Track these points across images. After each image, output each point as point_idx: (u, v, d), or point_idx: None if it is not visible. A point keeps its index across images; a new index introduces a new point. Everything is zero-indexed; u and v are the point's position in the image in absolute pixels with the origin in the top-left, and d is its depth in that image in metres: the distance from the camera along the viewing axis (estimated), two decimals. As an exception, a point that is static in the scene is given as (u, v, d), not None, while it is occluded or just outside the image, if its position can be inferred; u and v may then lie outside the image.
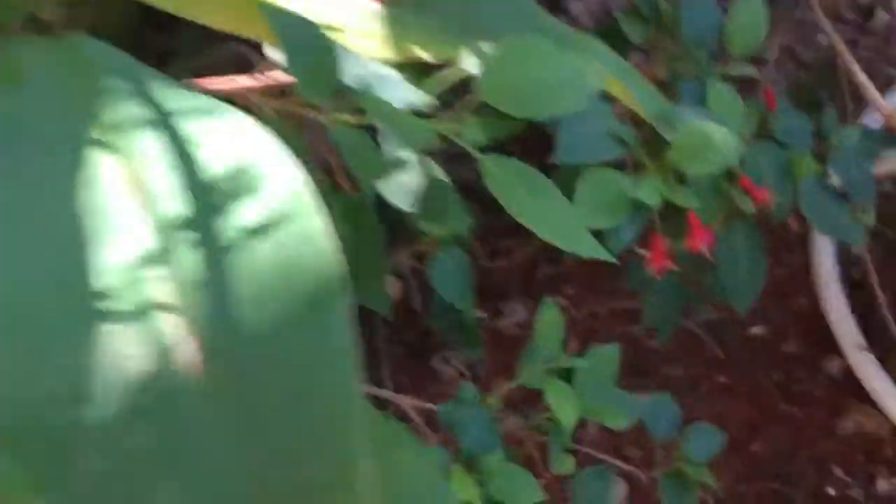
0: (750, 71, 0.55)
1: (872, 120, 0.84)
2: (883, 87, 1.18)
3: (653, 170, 0.51)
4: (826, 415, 1.08)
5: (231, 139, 0.30)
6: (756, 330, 1.13)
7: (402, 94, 0.44)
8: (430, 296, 0.66)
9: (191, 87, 0.45)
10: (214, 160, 0.29)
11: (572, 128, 0.49)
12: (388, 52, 0.48)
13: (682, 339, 1.17)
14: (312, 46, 0.42)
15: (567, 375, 0.54)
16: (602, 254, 0.41)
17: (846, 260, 1.09)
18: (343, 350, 0.26)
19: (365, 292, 0.49)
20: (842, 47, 0.54)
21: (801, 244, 1.15)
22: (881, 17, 1.23)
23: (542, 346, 0.53)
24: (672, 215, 0.53)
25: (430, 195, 0.44)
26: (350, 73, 0.45)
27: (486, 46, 0.43)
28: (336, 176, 0.51)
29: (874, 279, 0.99)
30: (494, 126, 0.42)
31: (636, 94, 0.50)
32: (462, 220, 0.45)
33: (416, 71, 0.49)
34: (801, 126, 0.62)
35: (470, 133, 0.41)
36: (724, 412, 1.08)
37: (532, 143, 0.49)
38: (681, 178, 0.52)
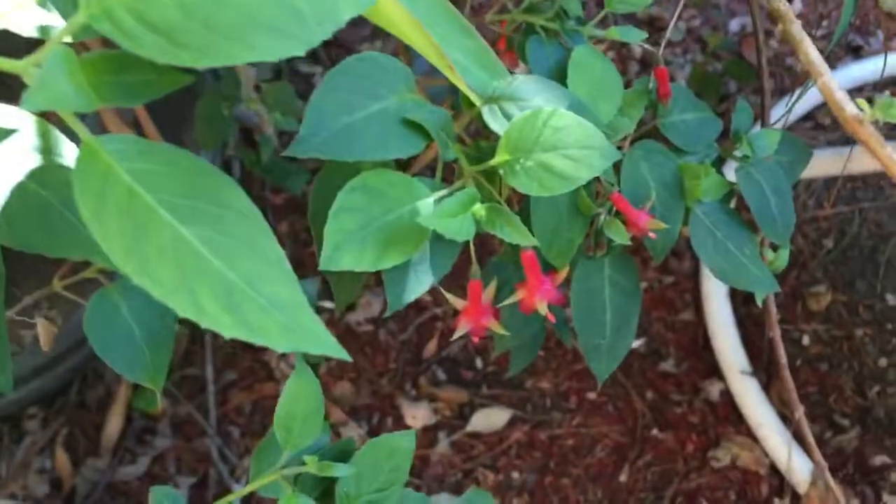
0: (635, 35, 0.35)
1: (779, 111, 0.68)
2: (792, 83, 1.07)
3: (470, 179, 0.31)
4: (701, 444, 1.01)
5: None
6: (634, 343, 1.03)
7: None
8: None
9: None
10: None
11: (330, 97, 0.28)
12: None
13: (551, 347, 1.04)
14: None
15: (324, 486, 0.35)
16: (322, 345, 0.21)
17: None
18: None
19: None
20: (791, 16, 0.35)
21: (690, 247, 1.03)
22: (797, 6, 1.11)
23: (285, 439, 0.33)
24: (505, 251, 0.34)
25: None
26: None
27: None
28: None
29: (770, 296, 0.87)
30: (119, 74, 0.21)
31: (453, 52, 0.30)
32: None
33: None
34: (705, 123, 0.43)
35: (46, 82, 0.20)
36: (591, 434, 1.00)
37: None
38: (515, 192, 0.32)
